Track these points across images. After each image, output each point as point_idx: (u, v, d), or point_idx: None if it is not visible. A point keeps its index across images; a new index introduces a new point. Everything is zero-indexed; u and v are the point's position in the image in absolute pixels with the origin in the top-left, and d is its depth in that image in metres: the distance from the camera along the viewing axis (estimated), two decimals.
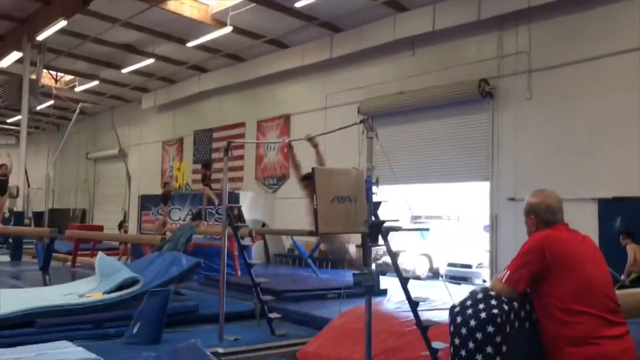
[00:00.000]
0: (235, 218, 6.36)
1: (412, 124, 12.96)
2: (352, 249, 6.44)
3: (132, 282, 6.41)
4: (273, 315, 6.06)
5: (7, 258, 13.32)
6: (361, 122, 4.90)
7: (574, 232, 2.93)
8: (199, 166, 19.29)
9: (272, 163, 16.70)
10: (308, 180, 6.18)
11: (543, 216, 2.92)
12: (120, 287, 6.24)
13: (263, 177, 16.94)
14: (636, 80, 9.53)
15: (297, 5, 11.78)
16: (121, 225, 15.06)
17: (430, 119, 12.62)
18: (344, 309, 5.87)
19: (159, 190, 19.52)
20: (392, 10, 12.52)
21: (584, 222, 8.89)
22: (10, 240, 13.40)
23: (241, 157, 17.31)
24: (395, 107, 12.99)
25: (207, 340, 5.23)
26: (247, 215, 13.51)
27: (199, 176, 18.97)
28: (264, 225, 15.18)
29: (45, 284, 8.10)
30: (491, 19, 11.18)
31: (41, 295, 6.42)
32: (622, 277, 8.82)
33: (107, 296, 6.08)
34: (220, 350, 5.13)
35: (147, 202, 19.40)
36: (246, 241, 10.51)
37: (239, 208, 11.06)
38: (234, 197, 14.48)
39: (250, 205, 15.10)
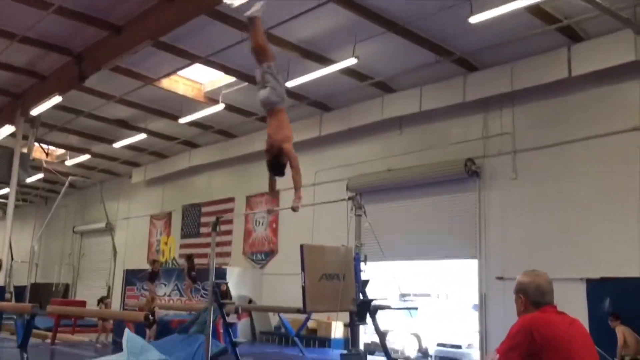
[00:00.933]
0: (221, 294, 6.30)
1: (400, 201, 13.09)
2: None
3: None
4: None
5: None
6: (350, 198, 4.99)
7: (563, 314, 2.92)
8: (187, 240, 19.18)
9: (260, 238, 16.64)
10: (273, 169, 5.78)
11: (532, 296, 2.91)
12: None
13: (251, 252, 16.82)
14: (620, 161, 9.77)
15: (288, 85, 12.13)
16: (101, 300, 14.73)
17: (418, 197, 12.76)
18: None
19: (145, 265, 19.28)
20: (380, 92, 12.92)
21: (572, 302, 8.86)
22: None
23: (230, 232, 17.25)
24: (383, 185, 13.15)
25: None
26: (233, 291, 13.33)
27: (186, 250, 18.85)
28: (250, 301, 14.94)
29: None
30: (476, 101, 11.57)
31: None
32: None
33: None
34: None
35: (132, 276, 19.08)
36: (232, 318, 10.36)
37: (227, 284, 10.98)
38: (221, 273, 14.31)
39: (237, 281, 14.91)
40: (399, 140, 13.32)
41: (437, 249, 12.47)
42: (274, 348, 12.60)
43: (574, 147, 10.40)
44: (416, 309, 12.71)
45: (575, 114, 10.48)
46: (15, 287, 19.68)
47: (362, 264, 4.35)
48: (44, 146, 19.64)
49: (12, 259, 19.74)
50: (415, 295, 15.85)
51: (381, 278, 10.42)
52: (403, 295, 15.73)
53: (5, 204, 17.19)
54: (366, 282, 4.27)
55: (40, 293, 21.54)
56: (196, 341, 7.12)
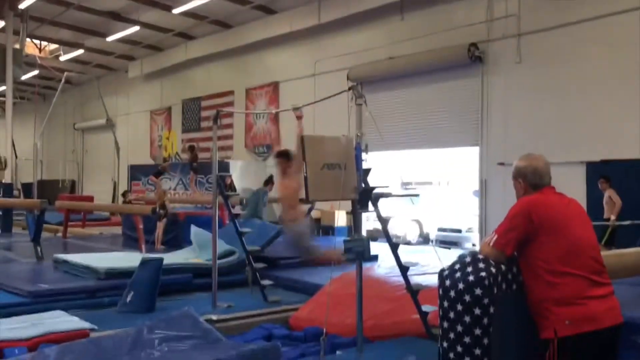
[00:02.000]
0: (226, 187, 6.37)
1: (402, 89, 12.93)
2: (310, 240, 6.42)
3: (229, 253, 6.90)
4: (265, 282, 6.13)
5: None
6: (350, 88, 4.89)
7: (561, 195, 2.97)
8: (188, 135, 19.21)
9: (261, 131, 16.64)
10: (281, 158, 6.10)
11: (531, 179, 2.95)
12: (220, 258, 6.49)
13: (253, 146, 16.88)
14: (624, 42, 9.53)
15: None
16: (125, 194, 15.02)
17: (420, 85, 12.58)
18: (335, 275, 5.94)
19: (148, 160, 19.46)
20: None
21: (572, 185, 8.99)
22: (0, 212, 13.34)
23: (230, 126, 17.22)
24: (384, 73, 12.92)
25: (201, 308, 5.29)
26: (237, 183, 13.52)
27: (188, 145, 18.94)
28: None
29: (37, 256, 8.11)
30: None
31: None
32: (612, 218, 8.89)
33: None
34: (214, 317, 5.19)
35: (136, 171, 19.33)
36: (237, 210, 10.58)
37: (230, 177, 11.12)
38: (224, 166, 14.45)
39: (240, 174, 15.09)
40: (400, 27, 12.90)
41: (439, 136, 12.48)
42: (279, 237, 12.95)
43: (579, 28, 10.09)
44: (417, 196, 12.95)
45: None
46: (22, 184, 20.01)
47: (363, 153, 4.33)
48: (37, 42, 19.17)
49: (16, 157, 19.91)
50: (417, 183, 16.08)
51: (383, 167, 10.51)
52: (405, 184, 16.00)
53: (3, 102, 17.05)
54: (367, 170, 4.28)
55: (47, 190, 21.91)
56: (254, 225, 7.54)
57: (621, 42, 9.56)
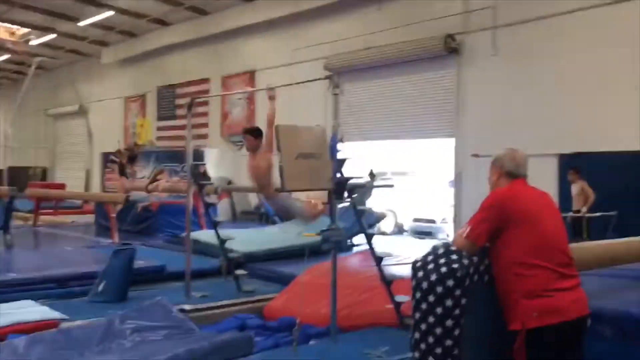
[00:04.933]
0: (200, 176, 6.33)
1: (379, 80, 12.93)
2: (298, 203, 6.24)
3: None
4: (239, 272, 6.11)
5: None
6: (327, 77, 4.88)
7: (533, 188, 3.03)
8: (163, 123, 18.98)
9: (237, 119, 16.51)
10: (250, 135, 6.04)
11: (507, 167, 3.02)
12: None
13: (229, 134, 16.76)
14: (598, 36, 9.65)
15: None
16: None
17: (397, 75, 12.60)
18: (310, 265, 5.95)
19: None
20: None
21: (545, 177, 9.12)
22: None
23: (206, 115, 17.06)
24: (361, 63, 12.90)
25: (174, 298, 5.26)
26: (212, 172, 13.42)
27: (163, 133, 18.74)
28: (230, 182, 15.10)
29: (6, 245, 7.97)
30: None
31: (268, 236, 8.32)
32: (584, 210, 9.06)
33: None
34: (187, 307, 5.17)
35: (109, 159, 19.05)
36: (212, 199, 10.53)
37: (204, 165, 11.06)
38: (199, 155, 14.32)
39: (216, 162, 14.96)
40: (377, 17, 12.88)
41: (415, 128, 12.54)
42: (256, 226, 12.92)
43: (555, 21, 10.18)
44: (392, 186, 12.98)
45: None
46: None
47: (338, 143, 4.33)
48: (7, 25, 18.71)
49: None
50: (392, 173, 16.16)
51: (359, 157, 10.51)
52: (380, 174, 16.06)
53: None
54: (343, 161, 4.28)
55: (17, 177, 21.47)
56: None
57: (596, 37, 9.68)
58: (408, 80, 12.44)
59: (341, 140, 4.35)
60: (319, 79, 5.09)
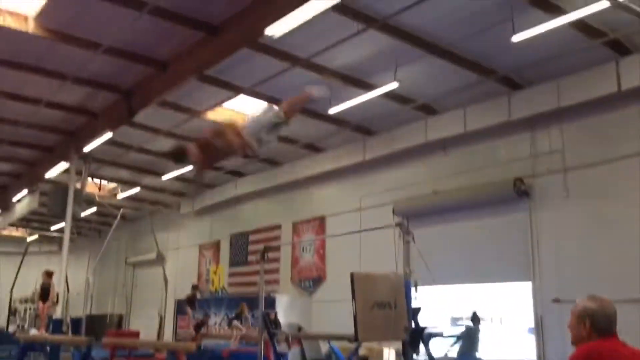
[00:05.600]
0: (271, 323, 6.29)
1: (448, 224, 12.87)
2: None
3: None
4: None
5: None
6: (397, 225, 4.93)
7: (626, 346, 2.79)
8: (235, 269, 19.33)
9: (308, 265, 16.62)
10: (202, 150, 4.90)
11: (599, 324, 2.76)
12: None
13: (299, 279, 16.80)
14: None
15: (331, 112, 12.22)
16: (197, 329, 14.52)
17: (466, 219, 12.53)
18: None
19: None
20: (423, 114, 12.83)
21: (629, 324, 8.47)
22: (48, 348, 13.35)
23: (277, 260, 17.30)
24: (429, 208, 12.97)
25: None
26: (283, 319, 13.32)
27: (235, 279, 19.00)
28: (300, 329, 14.86)
29: None
30: (522, 119, 11.35)
31: None
32: None
33: None
34: None
35: (183, 306, 19.31)
36: (282, 347, 10.34)
37: (275, 313, 11.03)
38: (270, 301, 14.34)
39: (286, 309, 14.89)
40: (444, 162, 13.17)
41: (489, 271, 12.16)
42: None
43: (627, 163, 10.05)
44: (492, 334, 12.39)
45: (627, 129, 10.15)
46: (72, 319, 20.17)
47: (412, 290, 4.27)
48: (97, 181, 20.29)
49: (68, 292, 20.30)
50: (468, 319, 15.45)
51: (432, 303, 10.25)
52: (455, 320, 15.39)
53: (60, 238, 17.74)
54: (418, 309, 4.19)
55: (95, 324, 22.03)
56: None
57: None
58: (479, 224, 12.32)
59: (415, 287, 4.31)
60: (388, 227, 5.16)
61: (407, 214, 12.71)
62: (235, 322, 13.68)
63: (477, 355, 10.25)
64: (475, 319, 11.22)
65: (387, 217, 12.70)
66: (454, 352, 10.69)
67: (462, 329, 11.24)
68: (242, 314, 14.17)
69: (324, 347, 14.52)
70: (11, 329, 19.21)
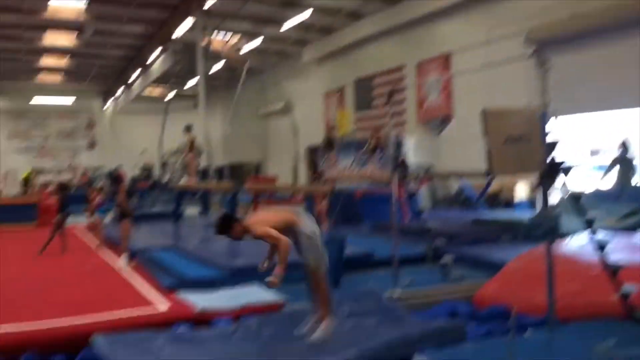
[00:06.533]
0: (400, 164, 6.41)
1: (588, 49, 11.80)
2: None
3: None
4: (447, 257, 6.08)
5: (196, 211, 14.73)
6: (533, 52, 4.61)
7: None
8: (361, 114, 19.54)
9: (434, 105, 16.36)
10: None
11: None
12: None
13: (425, 120, 16.68)
14: None
15: None
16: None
17: (608, 42, 11.37)
18: (521, 251, 5.71)
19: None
20: None
21: None
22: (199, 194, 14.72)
23: (402, 102, 17.17)
24: (566, 33, 11.89)
25: (382, 285, 5.42)
26: (412, 158, 13.50)
27: (361, 124, 19.27)
28: (429, 168, 15.05)
29: None
30: None
31: None
32: None
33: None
34: (396, 294, 5.28)
35: (314, 152, 20.17)
36: (412, 187, 10.61)
37: (404, 156, 11.16)
38: (398, 143, 14.47)
39: (414, 149, 15.04)
40: None
41: (635, 95, 11.18)
42: (457, 213, 12.71)
43: None
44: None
45: None
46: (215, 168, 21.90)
47: (549, 123, 4.07)
48: (220, 36, 20.76)
49: (208, 144, 21.85)
50: (607, 151, 14.67)
51: (569, 135, 9.78)
52: (594, 152, 14.69)
53: (195, 96, 18.80)
54: (554, 143, 4.01)
55: (236, 172, 23.82)
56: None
57: None
58: (623, 46, 11.14)
59: (554, 118, 4.09)
60: (520, 58, 4.82)
61: (541, 42, 11.74)
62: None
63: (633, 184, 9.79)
64: (625, 147, 10.54)
65: (518, 49, 11.86)
66: (607, 183, 10.24)
67: (613, 157, 10.66)
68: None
69: (454, 185, 14.70)
70: (165, 179, 21.25)
